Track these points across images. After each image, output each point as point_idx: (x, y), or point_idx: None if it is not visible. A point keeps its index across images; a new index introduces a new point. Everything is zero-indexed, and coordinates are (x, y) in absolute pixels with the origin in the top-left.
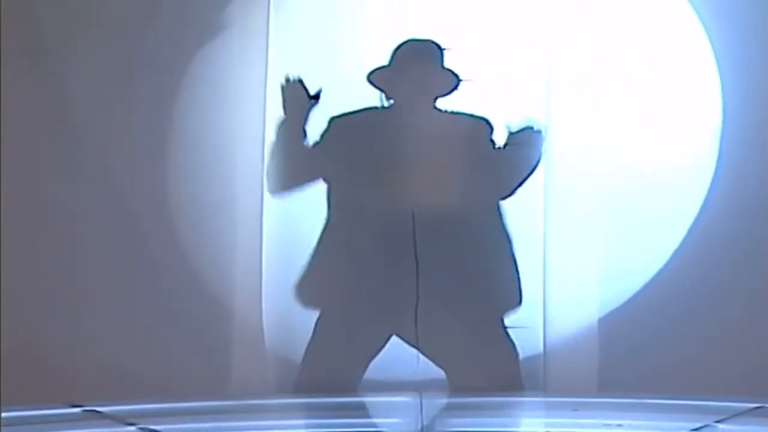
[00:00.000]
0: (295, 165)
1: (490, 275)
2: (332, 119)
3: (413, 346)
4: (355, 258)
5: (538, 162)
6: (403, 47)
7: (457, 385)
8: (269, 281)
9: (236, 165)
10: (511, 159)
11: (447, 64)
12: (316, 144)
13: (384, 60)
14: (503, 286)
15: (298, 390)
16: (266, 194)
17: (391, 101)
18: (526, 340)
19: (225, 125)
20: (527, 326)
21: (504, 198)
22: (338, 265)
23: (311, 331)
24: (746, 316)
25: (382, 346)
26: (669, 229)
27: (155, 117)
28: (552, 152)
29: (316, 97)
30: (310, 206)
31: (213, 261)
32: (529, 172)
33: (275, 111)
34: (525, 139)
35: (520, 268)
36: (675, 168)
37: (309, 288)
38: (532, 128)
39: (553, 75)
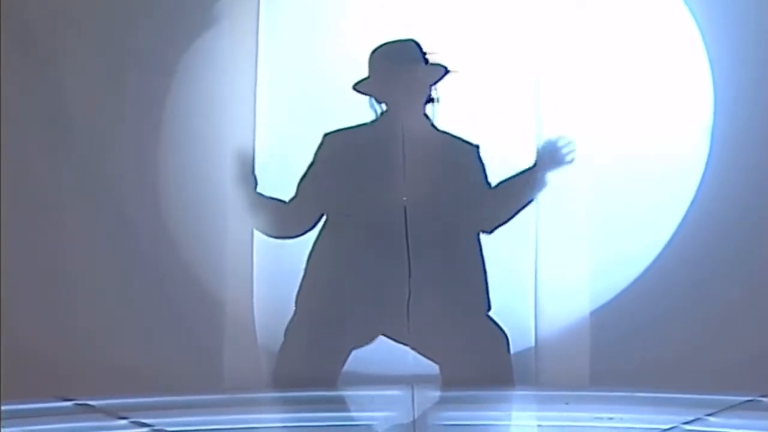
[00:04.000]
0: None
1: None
2: (326, 135)
3: (401, 343)
4: (344, 257)
5: (527, 204)
6: (383, 52)
7: (449, 377)
8: (260, 275)
9: (227, 160)
10: (500, 198)
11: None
12: (312, 164)
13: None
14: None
15: (276, 384)
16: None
17: (383, 106)
18: (518, 334)
19: (215, 121)
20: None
21: (484, 233)
22: (330, 267)
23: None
24: (737, 310)
25: (368, 343)
26: (660, 223)
27: (146, 113)
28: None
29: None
30: None
31: (204, 255)
32: (514, 213)
33: (265, 107)
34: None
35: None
36: (666, 162)
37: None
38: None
39: (545, 69)
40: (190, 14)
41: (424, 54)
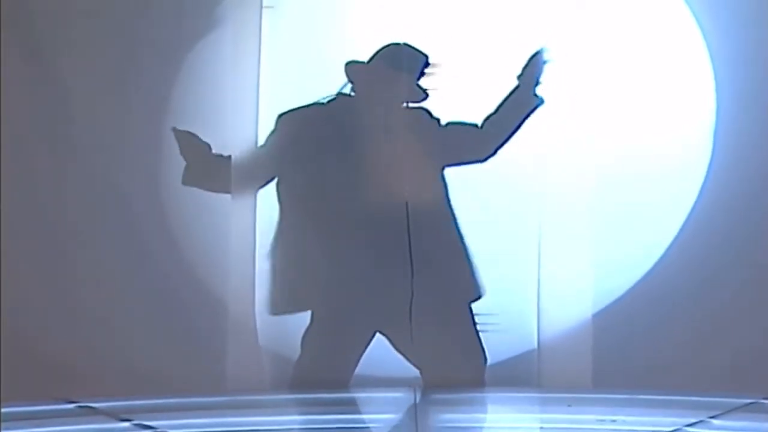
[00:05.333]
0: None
1: (448, 267)
2: (280, 116)
3: (394, 346)
4: (313, 254)
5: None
6: (389, 51)
7: (429, 383)
8: (263, 276)
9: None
10: (494, 126)
11: (425, 76)
12: (264, 145)
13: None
14: (461, 276)
15: (294, 387)
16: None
17: (352, 94)
18: (521, 336)
19: (218, 122)
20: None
21: (484, 160)
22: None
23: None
24: (740, 312)
25: (368, 345)
26: (663, 224)
27: (149, 114)
28: (546, 147)
29: None
30: None
31: (207, 256)
32: (511, 128)
33: (268, 107)
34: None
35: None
36: (669, 163)
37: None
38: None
39: (547, 68)
40: (193, 16)
41: (426, 65)
